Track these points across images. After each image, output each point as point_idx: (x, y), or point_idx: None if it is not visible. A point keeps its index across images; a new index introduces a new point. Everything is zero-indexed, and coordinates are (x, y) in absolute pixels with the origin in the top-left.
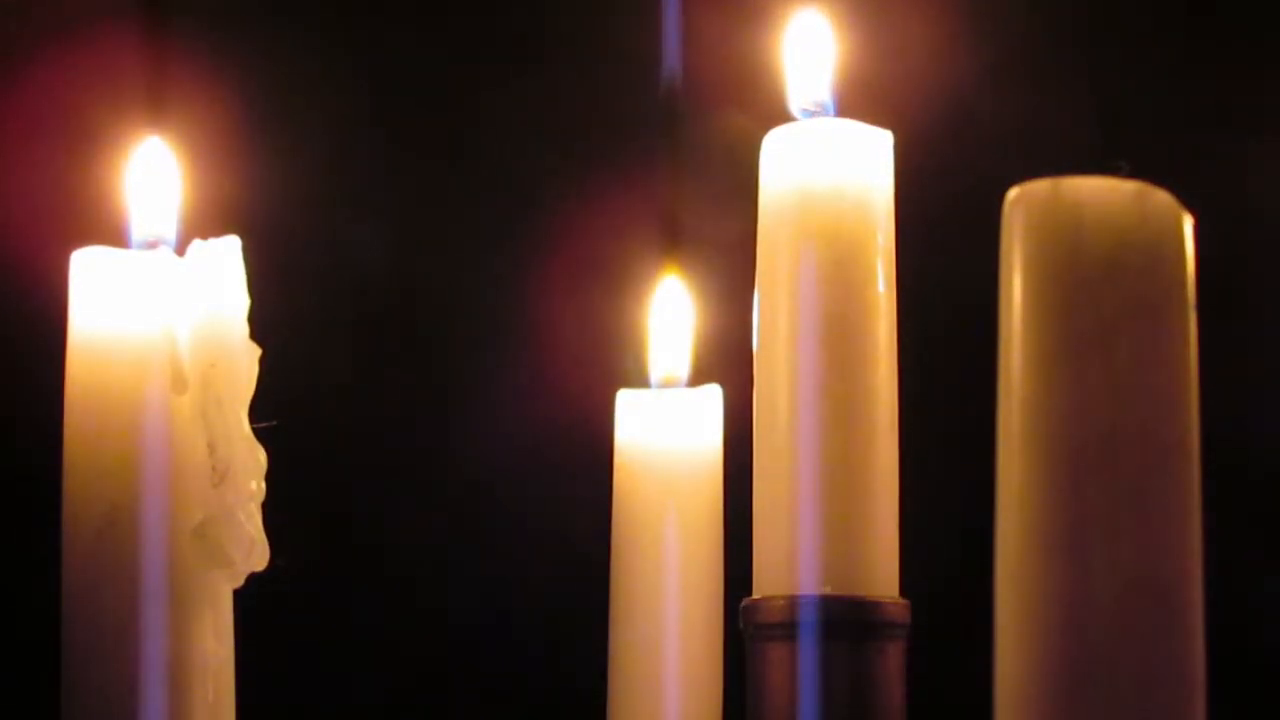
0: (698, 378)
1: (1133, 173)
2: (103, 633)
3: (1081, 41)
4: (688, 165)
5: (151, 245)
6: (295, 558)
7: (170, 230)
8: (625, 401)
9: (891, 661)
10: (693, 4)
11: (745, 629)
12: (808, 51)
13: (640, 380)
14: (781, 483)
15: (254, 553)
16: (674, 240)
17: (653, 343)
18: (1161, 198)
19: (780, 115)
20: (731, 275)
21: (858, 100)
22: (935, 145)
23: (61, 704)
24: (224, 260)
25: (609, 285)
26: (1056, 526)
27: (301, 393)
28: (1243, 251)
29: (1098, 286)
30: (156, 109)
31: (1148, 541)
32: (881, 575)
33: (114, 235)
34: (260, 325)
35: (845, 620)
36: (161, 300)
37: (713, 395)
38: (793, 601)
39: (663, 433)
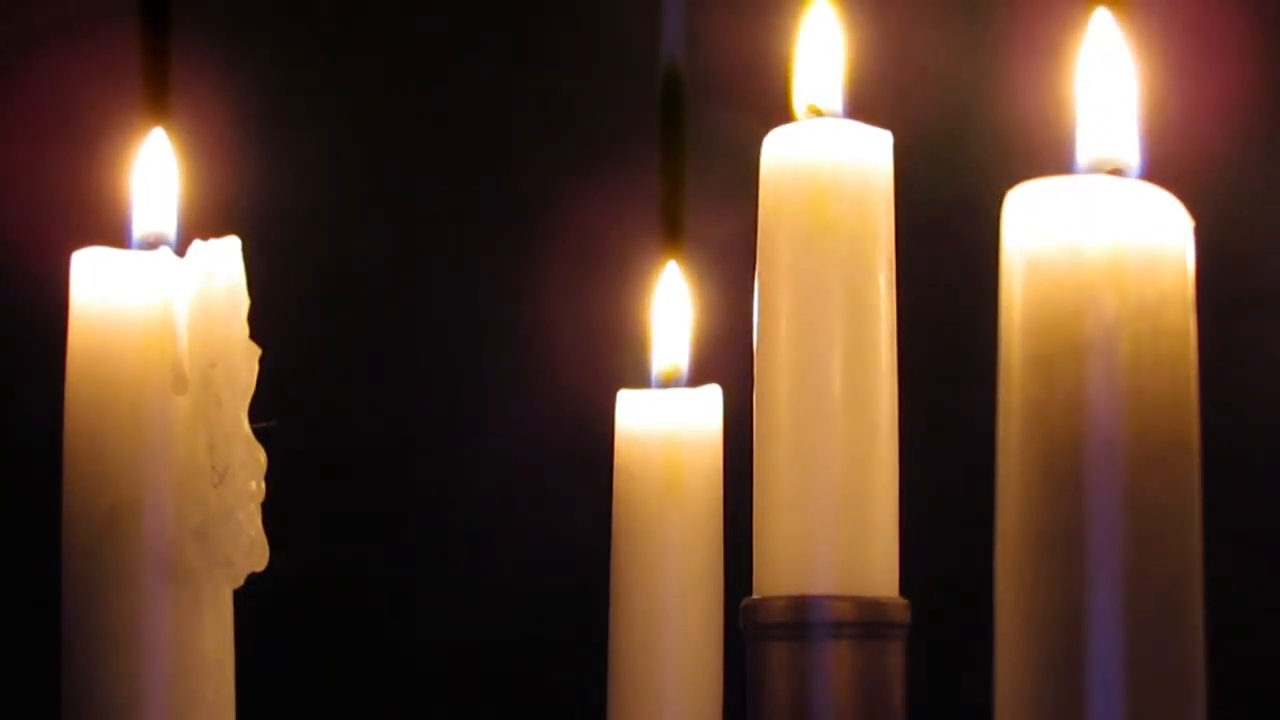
0: (698, 376)
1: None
2: (103, 633)
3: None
4: (689, 161)
5: (152, 245)
6: (295, 558)
7: (170, 230)
8: (625, 401)
9: (891, 661)
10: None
11: (745, 629)
12: (813, 52)
13: (640, 379)
14: (781, 482)
15: (254, 553)
16: (675, 237)
17: (653, 340)
18: (1161, 198)
19: (782, 110)
20: (732, 272)
21: (858, 100)
22: (935, 145)
23: (61, 704)
24: (224, 260)
25: (609, 283)
26: (1056, 526)
27: (301, 392)
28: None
29: (1098, 286)
30: (157, 108)
31: (1148, 541)
32: (881, 575)
33: (114, 235)
34: (260, 325)
35: (845, 620)
36: (161, 300)
37: (712, 395)
38: (793, 601)
39: (663, 432)
